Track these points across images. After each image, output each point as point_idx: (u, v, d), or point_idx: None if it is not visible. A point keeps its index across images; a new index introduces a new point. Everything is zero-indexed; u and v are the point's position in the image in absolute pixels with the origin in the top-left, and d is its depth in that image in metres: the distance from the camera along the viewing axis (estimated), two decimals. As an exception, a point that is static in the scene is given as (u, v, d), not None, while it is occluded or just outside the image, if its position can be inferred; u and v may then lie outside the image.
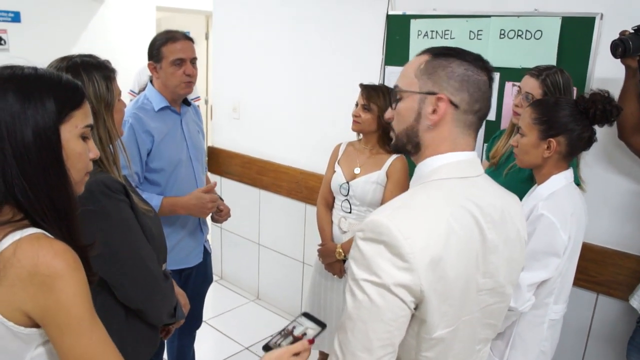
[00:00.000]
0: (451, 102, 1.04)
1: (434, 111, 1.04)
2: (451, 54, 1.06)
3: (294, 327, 1.17)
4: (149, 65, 2.13)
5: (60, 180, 0.98)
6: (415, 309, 0.97)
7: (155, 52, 2.10)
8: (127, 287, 1.42)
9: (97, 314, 1.42)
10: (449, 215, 0.99)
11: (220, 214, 2.41)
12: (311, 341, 1.15)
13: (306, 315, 1.21)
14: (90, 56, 1.44)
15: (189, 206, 2.13)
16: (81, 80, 1.36)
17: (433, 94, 1.04)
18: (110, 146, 1.44)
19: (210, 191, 2.18)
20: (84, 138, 1.03)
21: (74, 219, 1.01)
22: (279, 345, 1.14)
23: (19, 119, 0.92)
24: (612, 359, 2.25)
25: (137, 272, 1.43)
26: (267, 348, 1.14)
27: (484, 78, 1.06)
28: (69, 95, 1.00)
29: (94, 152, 1.06)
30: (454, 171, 1.06)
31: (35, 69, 1.01)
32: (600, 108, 1.60)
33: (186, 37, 2.16)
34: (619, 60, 1.89)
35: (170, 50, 2.09)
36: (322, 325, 1.19)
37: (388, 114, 1.14)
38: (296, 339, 1.15)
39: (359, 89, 2.34)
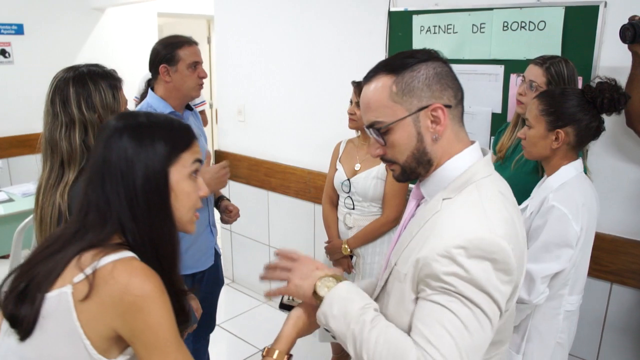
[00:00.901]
0: (445, 106, 1.02)
1: (434, 122, 1.02)
2: (411, 62, 1.02)
3: None
4: (161, 68, 2.12)
5: (164, 225, 1.04)
6: None
7: (170, 55, 2.11)
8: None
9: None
10: (514, 214, 1.00)
11: (230, 214, 2.43)
12: None
13: None
14: (96, 66, 1.46)
15: (207, 183, 2.12)
16: (88, 89, 1.37)
17: (423, 108, 1.01)
18: None
19: (208, 163, 2.18)
20: (194, 173, 1.08)
21: (174, 263, 1.07)
22: (294, 299, 1.17)
23: (132, 164, 1.00)
24: (628, 349, 2.23)
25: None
26: (285, 307, 1.18)
27: (447, 67, 1.05)
28: (179, 137, 1.06)
29: (203, 190, 1.10)
30: (484, 170, 1.04)
31: (147, 115, 1.07)
32: (608, 97, 1.59)
33: (196, 42, 2.22)
34: (625, 48, 1.88)
35: (187, 54, 2.12)
36: None
37: (378, 151, 1.08)
38: None
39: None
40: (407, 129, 1.02)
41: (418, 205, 1.14)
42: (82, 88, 1.38)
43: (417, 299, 0.97)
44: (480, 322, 0.90)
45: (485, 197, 0.99)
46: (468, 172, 1.03)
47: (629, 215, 2.16)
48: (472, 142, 1.09)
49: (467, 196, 1.00)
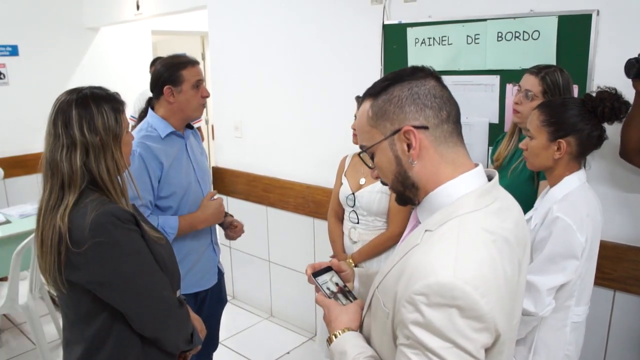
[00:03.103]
0: (418, 127, 0.97)
1: (409, 145, 0.98)
2: (387, 84, 1.01)
3: (328, 289, 1.23)
4: (166, 90, 2.11)
5: None
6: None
7: (174, 76, 2.10)
8: (142, 316, 1.41)
9: (113, 344, 1.41)
10: (496, 255, 0.92)
11: (235, 230, 2.43)
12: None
13: (316, 274, 1.25)
14: (99, 88, 1.46)
15: (207, 217, 2.21)
16: (91, 111, 1.38)
17: (397, 132, 0.98)
18: (119, 177, 1.45)
19: (212, 197, 2.27)
20: None
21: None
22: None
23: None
24: (635, 356, 2.21)
25: (151, 301, 1.42)
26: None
27: (432, 83, 1.00)
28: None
29: None
30: (474, 203, 0.97)
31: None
32: (609, 105, 1.59)
33: (198, 61, 2.23)
34: (619, 56, 1.88)
35: (192, 74, 2.13)
36: (331, 269, 1.27)
37: (374, 173, 1.09)
38: (339, 292, 1.23)
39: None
40: (386, 153, 1.01)
41: None
42: (85, 110, 1.38)
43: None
44: None
45: (462, 236, 0.92)
46: (454, 204, 0.97)
47: (630, 222, 2.16)
48: (475, 165, 1.02)
49: (445, 232, 0.94)
